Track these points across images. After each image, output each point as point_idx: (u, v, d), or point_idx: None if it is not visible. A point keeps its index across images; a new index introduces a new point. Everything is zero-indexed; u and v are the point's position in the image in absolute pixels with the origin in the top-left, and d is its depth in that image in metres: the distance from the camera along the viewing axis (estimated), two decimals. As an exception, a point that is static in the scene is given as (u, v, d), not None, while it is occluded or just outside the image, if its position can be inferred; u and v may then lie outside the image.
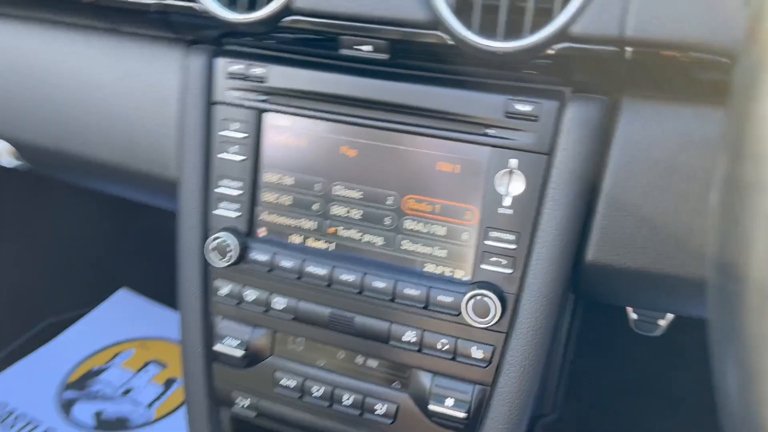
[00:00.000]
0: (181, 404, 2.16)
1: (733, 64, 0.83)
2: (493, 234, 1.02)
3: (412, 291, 1.07)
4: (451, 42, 0.94)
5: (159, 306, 2.62)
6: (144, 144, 1.23)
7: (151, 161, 1.23)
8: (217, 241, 1.13)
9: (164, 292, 2.44)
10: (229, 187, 1.15)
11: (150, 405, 2.20)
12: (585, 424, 2.18)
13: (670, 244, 0.98)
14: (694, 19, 0.84)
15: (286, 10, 1.00)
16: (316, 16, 0.99)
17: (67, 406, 2.17)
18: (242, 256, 1.15)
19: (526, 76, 0.99)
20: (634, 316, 2.10)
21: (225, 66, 1.12)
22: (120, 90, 1.22)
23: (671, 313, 1.66)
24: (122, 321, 2.55)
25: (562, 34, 0.88)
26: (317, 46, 1.06)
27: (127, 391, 2.24)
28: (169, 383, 2.29)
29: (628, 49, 0.88)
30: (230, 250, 1.13)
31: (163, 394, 2.24)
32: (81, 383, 2.26)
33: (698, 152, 0.94)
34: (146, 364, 2.35)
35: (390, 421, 1.13)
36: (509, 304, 1.03)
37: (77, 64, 1.25)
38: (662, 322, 2.07)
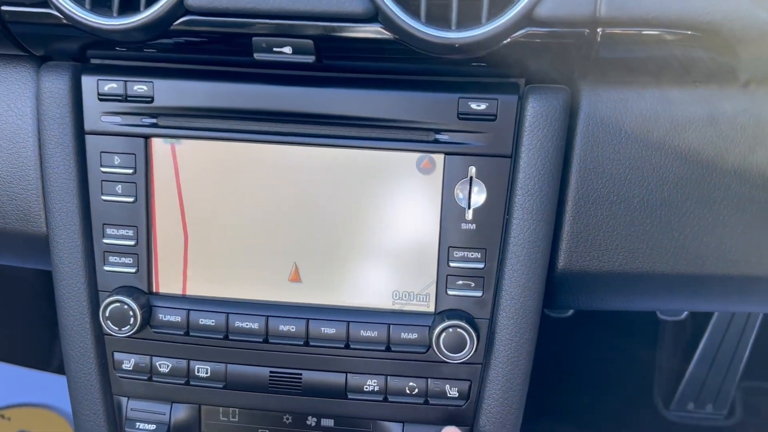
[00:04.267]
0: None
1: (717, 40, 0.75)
2: (458, 254, 0.88)
3: (369, 332, 0.90)
4: (393, 36, 0.78)
5: (10, 366, 2.23)
6: (-9, 194, 0.95)
7: (5, 215, 0.96)
8: (114, 306, 0.90)
9: (13, 349, 2.08)
10: (120, 237, 0.92)
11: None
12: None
13: (647, 241, 0.89)
14: None
15: (178, 10, 0.78)
16: (218, 14, 0.78)
17: None
18: (147, 320, 0.92)
19: (474, 69, 0.86)
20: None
21: (96, 85, 0.88)
22: (-52, 127, 0.93)
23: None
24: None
25: (526, 19, 0.75)
26: (217, 51, 0.86)
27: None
28: (44, 457, 1.95)
29: (600, 30, 0.77)
30: (132, 315, 0.90)
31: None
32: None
33: (668, 136, 0.86)
34: (10, 439, 1.98)
35: (357, 486, 0.97)
36: (483, 331, 0.90)
37: None
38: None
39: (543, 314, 2.19)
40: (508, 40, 0.78)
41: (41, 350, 2.21)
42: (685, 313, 2.09)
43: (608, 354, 2.19)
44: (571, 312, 2.14)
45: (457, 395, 0.92)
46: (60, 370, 2.25)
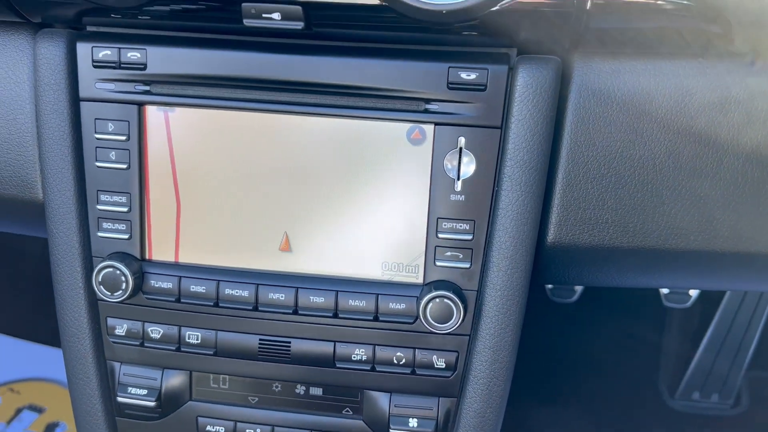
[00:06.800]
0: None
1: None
2: (446, 225, 0.88)
3: (357, 302, 0.91)
4: (381, 3, 0.78)
5: (20, 341, 2.26)
6: (-10, 160, 0.96)
7: (2, 181, 0.97)
8: (106, 271, 0.91)
9: (23, 324, 2.11)
10: (113, 203, 0.93)
11: (31, 459, 1.90)
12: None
13: (638, 215, 0.89)
14: None
15: (168, -25, 0.79)
16: None
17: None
18: (139, 286, 0.94)
19: (465, 38, 0.85)
20: (665, 290, 2.07)
21: (91, 52, 0.89)
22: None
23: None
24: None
25: None
26: (209, 18, 0.86)
27: (-2, 448, 1.92)
28: (50, 429, 1.98)
29: (590, -3, 0.76)
30: (124, 281, 0.91)
31: (45, 443, 1.94)
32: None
33: (662, 110, 0.85)
34: (18, 412, 2.01)
35: (345, 455, 0.97)
36: (470, 303, 0.90)
37: None
38: (693, 293, 2.05)
39: (547, 300, 2.18)
40: (497, 7, 0.77)
41: (49, 325, 2.25)
42: (692, 300, 2.07)
43: (613, 341, 2.18)
44: (575, 297, 2.13)
45: (444, 366, 0.92)
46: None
